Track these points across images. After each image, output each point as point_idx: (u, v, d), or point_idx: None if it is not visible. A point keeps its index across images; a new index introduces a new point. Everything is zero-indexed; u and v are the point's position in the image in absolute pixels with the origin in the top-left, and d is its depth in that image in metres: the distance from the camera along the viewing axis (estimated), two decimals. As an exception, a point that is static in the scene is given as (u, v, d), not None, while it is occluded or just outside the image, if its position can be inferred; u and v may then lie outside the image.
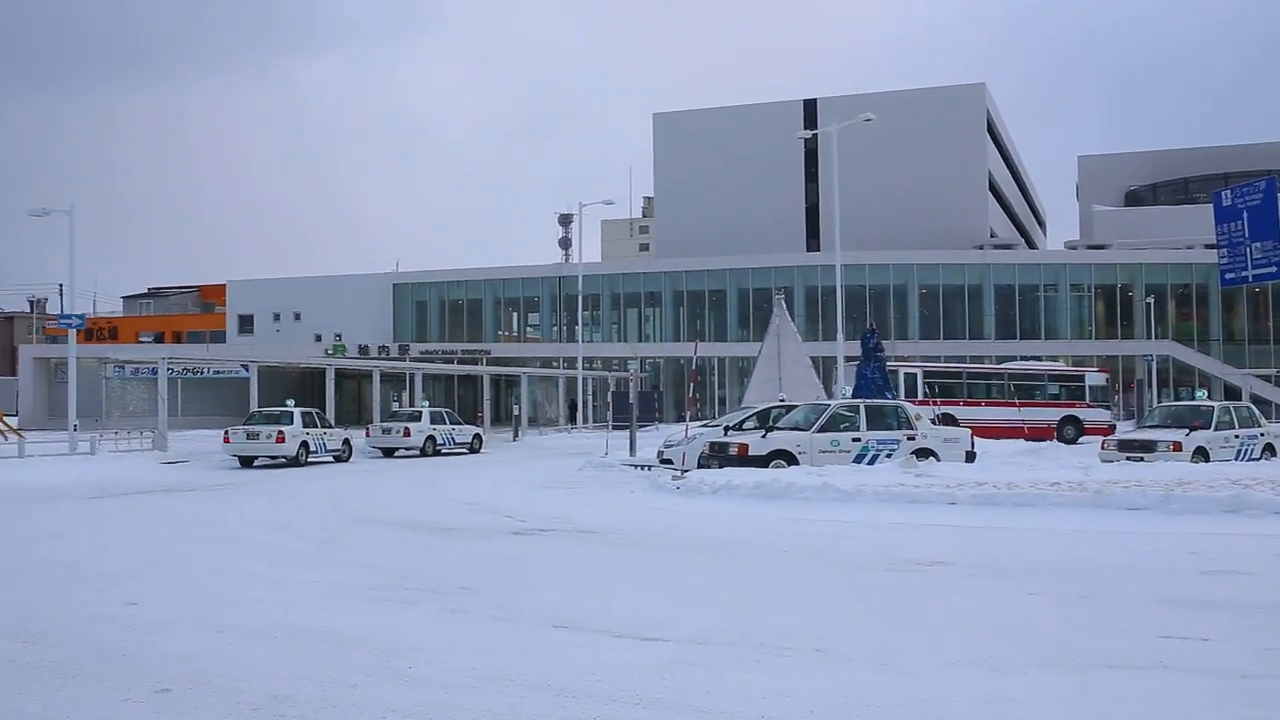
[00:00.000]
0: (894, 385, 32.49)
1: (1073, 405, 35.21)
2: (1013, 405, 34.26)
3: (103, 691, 6.19)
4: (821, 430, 19.61)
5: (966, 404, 33.55)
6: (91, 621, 8.15)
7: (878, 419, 20.29)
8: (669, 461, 23.18)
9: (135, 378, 45.75)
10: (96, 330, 73.79)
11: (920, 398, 32.24)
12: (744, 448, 19.38)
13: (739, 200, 65.04)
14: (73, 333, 31.25)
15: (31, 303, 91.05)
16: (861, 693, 6.03)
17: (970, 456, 20.44)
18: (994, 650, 6.95)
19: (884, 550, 11.75)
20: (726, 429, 22.58)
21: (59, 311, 44.23)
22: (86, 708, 5.87)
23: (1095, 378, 36.38)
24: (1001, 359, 48.59)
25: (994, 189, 66.61)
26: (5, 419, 41.43)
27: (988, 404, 34.08)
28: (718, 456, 19.73)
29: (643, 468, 23.69)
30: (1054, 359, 47.86)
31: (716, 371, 57.63)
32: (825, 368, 40.34)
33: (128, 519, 15.91)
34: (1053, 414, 34.70)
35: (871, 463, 19.24)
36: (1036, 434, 32.71)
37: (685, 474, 19.23)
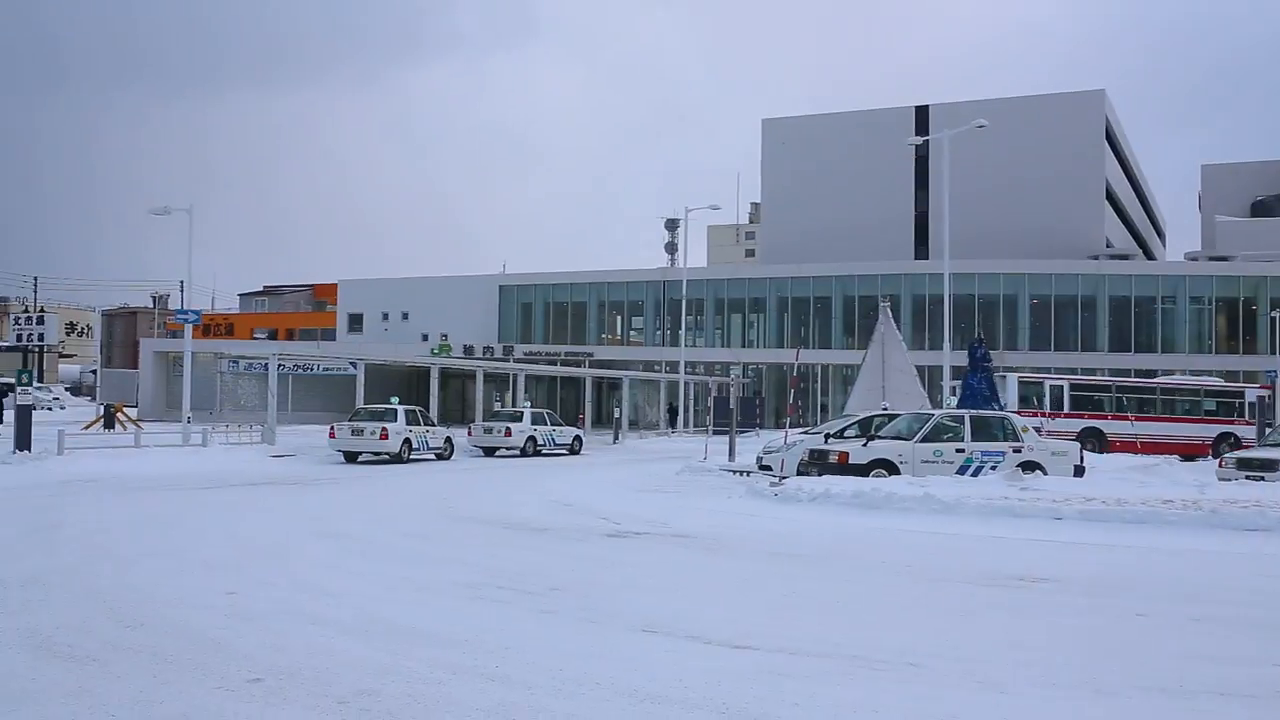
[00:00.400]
0: (1038, 398, 31.71)
1: (1230, 421, 33.81)
2: (1165, 420, 33.10)
3: (196, 679, 6.29)
4: (924, 440, 19.25)
5: (1115, 418, 32.53)
6: (191, 609, 8.31)
7: (983, 430, 19.85)
8: (768, 468, 22.99)
9: (248, 372, 46.98)
10: (213, 326, 75.98)
11: (1066, 411, 31.42)
12: (844, 456, 19.11)
13: (846, 206, 64.37)
14: (189, 328, 32.14)
15: (154, 298, 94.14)
16: (958, 712, 5.85)
17: (1079, 471, 19.87)
18: (1099, 673, 6.69)
19: (985, 565, 11.44)
20: (827, 436, 22.31)
21: (178, 307, 45.63)
22: (180, 694, 5.96)
23: (1256, 393, 34.71)
24: (1115, 372, 47.25)
25: (1111, 198, 64.84)
26: (125, 410, 42.89)
27: (1138, 419, 32.90)
28: (817, 464, 19.49)
29: (741, 473, 23.53)
30: (1169, 373, 46.35)
31: (819, 378, 57.08)
32: (930, 377, 39.66)
33: (234, 510, 16.27)
34: (1208, 430, 33.37)
35: (975, 474, 18.81)
36: (1190, 450, 31.57)
37: (783, 480, 19.03)
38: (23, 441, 23.14)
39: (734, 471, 24.10)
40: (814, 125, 68.33)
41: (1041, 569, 11.04)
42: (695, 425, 50.91)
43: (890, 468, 18.79)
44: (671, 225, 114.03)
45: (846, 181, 64.86)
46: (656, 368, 57.30)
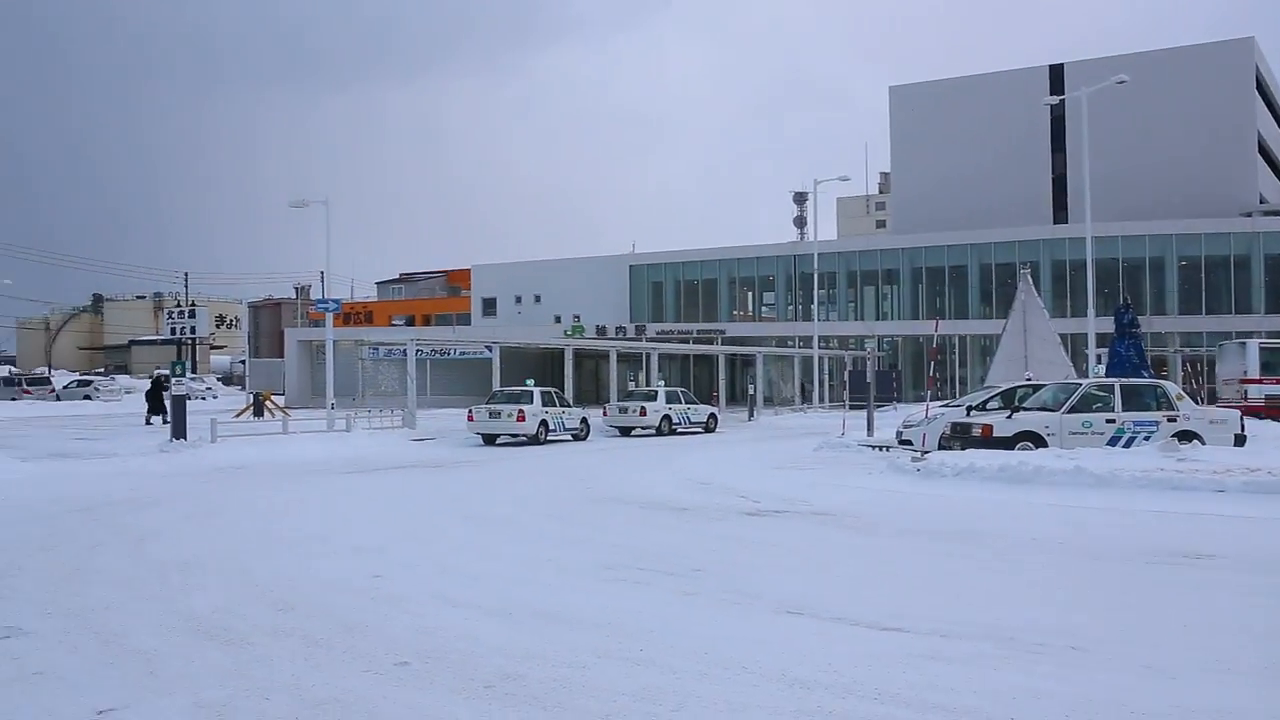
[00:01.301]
0: (1260, 364, 29.99)
1: None
2: None
3: (346, 662, 6.36)
4: (1072, 411, 18.59)
5: None
6: (339, 593, 8.45)
7: (1134, 399, 19.07)
8: (908, 442, 22.53)
9: (387, 359, 48.00)
10: (353, 314, 77.98)
11: None
12: (988, 429, 18.58)
13: (980, 173, 62.63)
14: (330, 317, 32.93)
15: (296, 289, 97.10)
16: (1123, 697, 5.56)
17: (1240, 440, 18.94)
18: (1272, 655, 6.30)
19: (1143, 540, 10.96)
20: (969, 409, 21.74)
21: (319, 297, 46.87)
22: (331, 677, 6.03)
23: None
24: (1271, 334, 45.02)
25: (1264, 151, 61.66)
26: (273, 398, 44.30)
27: None
28: (960, 437, 18.99)
29: (880, 448, 23.10)
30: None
31: (957, 350, 55.77)
32: (1074, 345, 38.39)
33: (378, 494, 16.60)
34: None
35: (1127, 446, 18.08)
36: None
37: (925, 455, 18.59)
38: (179, 430, 24.00)
39: (873, 447, 23.67)
40: (944, 90, 66.64)
41: (1207, 545, 10.51)
42: (831, 400, 50.29)
43: (1036, 440, 18.19)
44: (800, 199, 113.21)
45: (979, 146, 63.10)
46: (790, 343, 56.69)
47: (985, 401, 22.18)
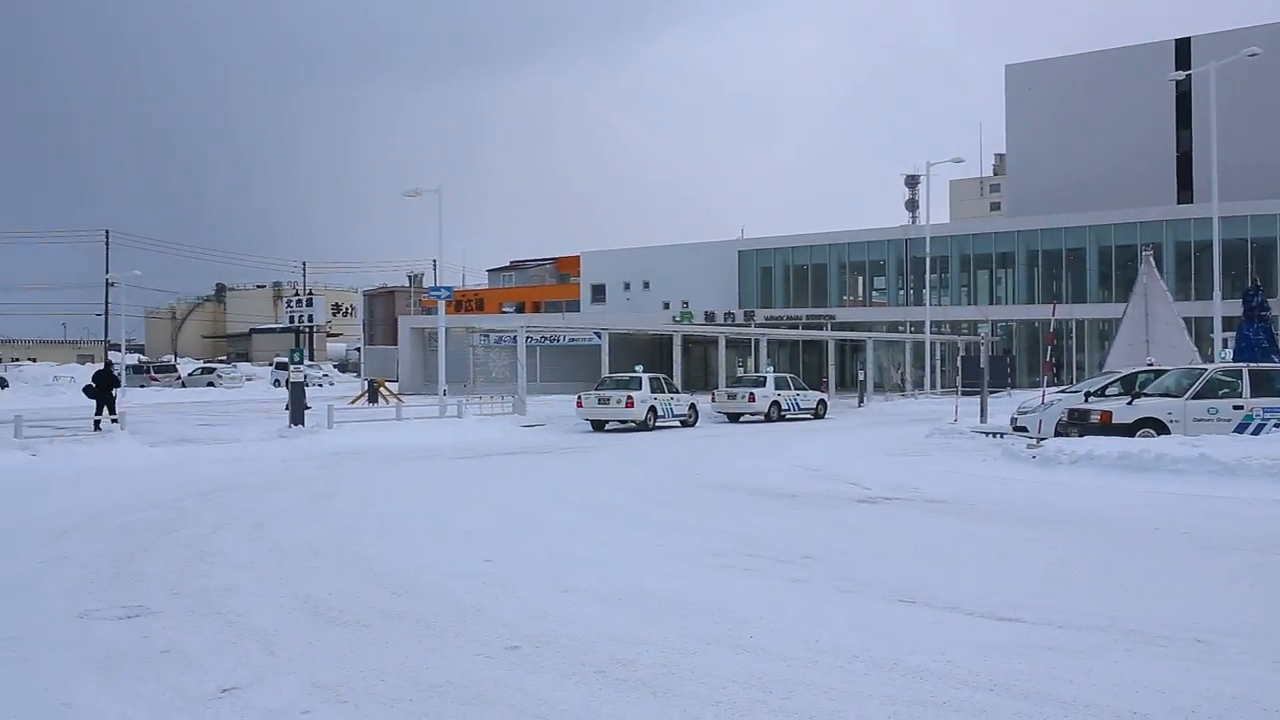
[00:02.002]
0: None
1: None
2: None
3: (458, 645, 6.44)
4: (1197, 397, 17.97)
5: None
6: (452, 577, 8.57)
7: (1264, 384, 18.34)
8: (1023, 429, 22.04)
9: (498, 345, 48.57)
10: (464, 302, 79.06)
11: None
12: (1107, 415, 18.06)
13: (1099, 152, 60.88)
14: (442, 304, 33.45)
15: (409, 277, 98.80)
16: (1252, 693, 5.36)
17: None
18: None
19: (1274, 532, 10.56)
20: (1087, 395, 21.16)
21: (431, 285, 47.56)
22: (444, 660, 6.12)
23: None
24: None
25: (1403, 124, 58.86)
26: (387, 385, 45.17)
27: None
28: (1078, 424, 18.50)
29: (995, 435, 22.64)
30: None
31: (1074, 335, 54.34)
32: (1198, 329, 37.13)
33: (489, 479, 16.81)
34: None
35: (1256, 433, 17.42)
36: None
37: (1041, 442, 18.16)
38: (297, 416, 24.64)
39: (987, 433, 23.21)
40: (1061, 68, 64.89)
41: (1340, 535, 10.09)
42: (944, 386, 49.48)
43: (1159, 427, 17.63)
44: (911, 182, 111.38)
45: (1099, 125, 61.34)
46: (901, 328, 55.88)
47: (1104, 387, 21.57)
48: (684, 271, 67.11)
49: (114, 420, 25.44)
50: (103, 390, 27.42)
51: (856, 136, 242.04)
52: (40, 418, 26.89)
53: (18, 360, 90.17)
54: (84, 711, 5.33)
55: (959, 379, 34.26)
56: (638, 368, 30.17)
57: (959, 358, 44.17)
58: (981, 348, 35.70)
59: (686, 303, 62.85)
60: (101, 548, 9.95)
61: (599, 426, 28.67)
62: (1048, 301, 50.36)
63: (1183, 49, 58.68)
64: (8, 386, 54.24)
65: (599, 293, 72.09)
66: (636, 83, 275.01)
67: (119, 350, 59.27)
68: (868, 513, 12.40)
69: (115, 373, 29.77)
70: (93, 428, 25.23)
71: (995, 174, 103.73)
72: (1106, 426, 17.77)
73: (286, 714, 5.23)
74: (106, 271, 70.00)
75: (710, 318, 58.80)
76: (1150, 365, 22.47)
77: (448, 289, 34.95)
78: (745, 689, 5.52)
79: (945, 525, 11.36)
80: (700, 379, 50.12)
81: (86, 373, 65.76)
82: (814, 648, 6.26)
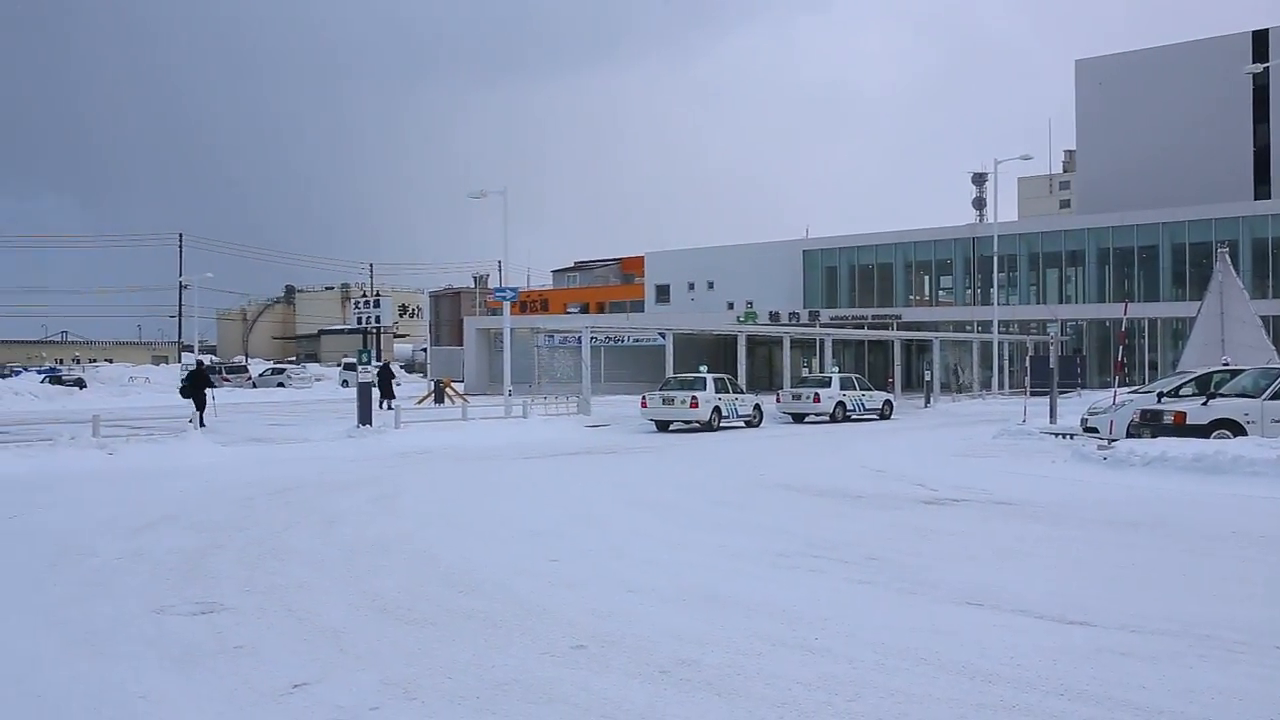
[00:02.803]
0: None
1: None
2: None
3: (525, 644, 6.49)
4: (1275, 397, 17.56)
5: None
6: (518, 575, 8.63)
7: (1344, 384, 17.89)
8: (1093, 430, 21.68)
9: (562, 346, 48.73)
10: (529, 302, 79.44)
11: None
12: (1181, 416, 17.73)
13: (1172, 147, 59.73)
14: (507, 305, 33.65)
15: (475, 278, 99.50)
16: (1333, 700, 5.23)
17: None
18: None
19: (1355, 534, 10.29)
20: (1160, 395, 20.78)
21: (497, 286, 47.90)
22: (510, 659, 6.16)
23: None
24: None
25: None
26: (453, 385, 45.56)
27: None
28: (1150, 425, 18.18)
29: (1064, 436, 22.32)
30: None
31: (1146, 334, 53.38)
32: (1276, 328, 36.32)
33: (554, 479, 16.89)
34: None
35: (1337, 434, 16.99)
36: None
37: (1112, 444, 17.86)
38: (365, 416, 24.93)
39: (1056, 434, 22.89)
40: (1133, 62, 63.78)
41: None
42: (1011, 387, 48.84)
43: (1235, 428, 17.26)
44: (979, 179, 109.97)
45: (1171, 120, 60.19)
46: (968, 328, 55.28)
47: (1178, 387, 21.17)
48: (748, 271, 66.91)
49: (201, 420, 27.44)
50: (196, 390, 28.92)
51: (923, 134, 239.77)
52: (116, 417, 27.53)
53: (95, 361, 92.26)
54: (160, 705, 5.44)
55: (1027, 379, 33.84)
56: (702, 368, 30.13)
57: (1027, 357, 43.61)
58: (1050, 347, 35.27)
59: (751, 303, 62.67)
60: (176, 545, 10.15)
61: (663, 427, 28.68)
62: (1119, 300, 49.53)
63: (1260, 41, 57.41)
64: (86, 387, 55.46)
65: (663, 293, 72.11)
66: (704, 81, 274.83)
67: (192, 351, 60.32)
68: (934, 514, 12.29)
69: (208, 373, 31.26)
70: (196, 425, 26.56)
71: (1065, 171, 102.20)
72: (1180, 427, 17.44)
73: (356, 710, 5.31)
74: (180, 274, 71.42)
75: (775, 318, 58.58)
76: (1226, 365, 22.02)
77: (513, 290, 35.15)
78: (811, 691, 5.50)
79: (1014, 527, 11.22)
80: (765, 379, 49.96)
81: (161, 373, 67.15)
82: (880, 650, 6.22)
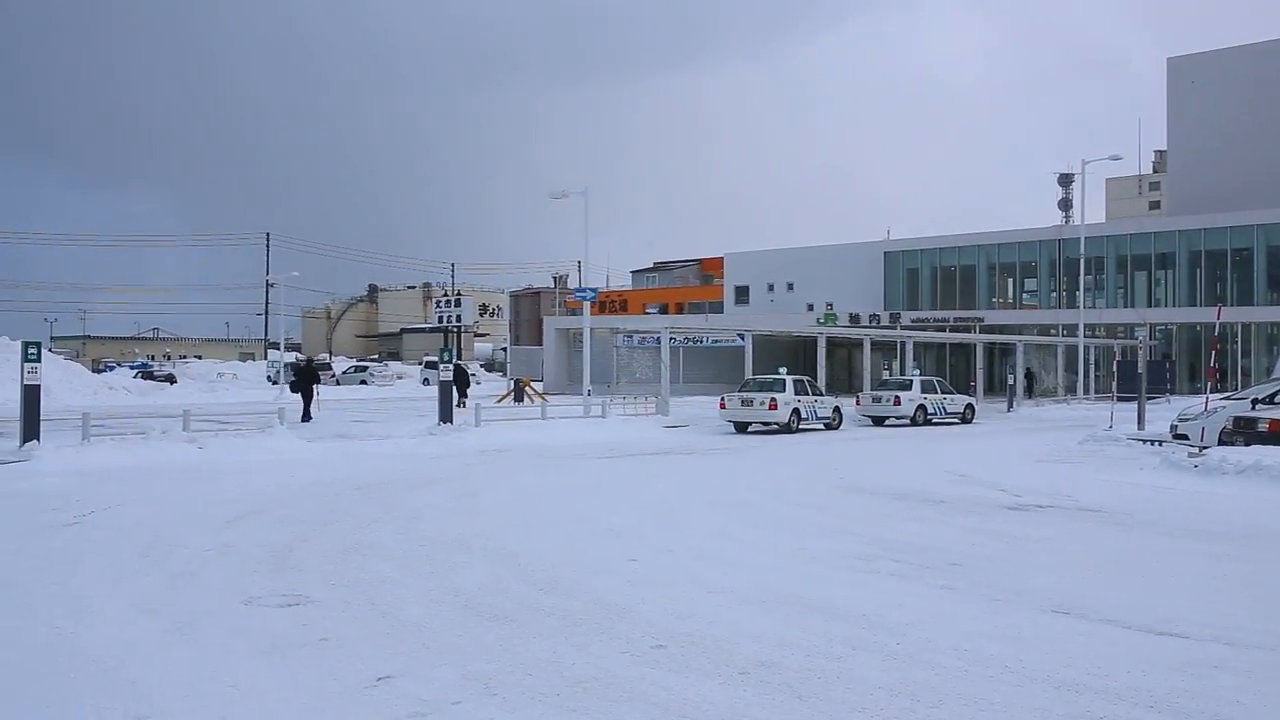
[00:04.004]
0: None
1: None
2: None
3: (604, 642, 6.51)
4: (1375, 405, 17.04)
5: None
6: (597, 574, 8.66)
7: None
8: (1184, 437, 21.18)
9: (641, 346, 48.81)
10: (608, 302, 79.68)
11: None
12: (1277, 424, 17.27)
13: (1268, 148, 58.06)
14: (587, 305, 33.80)
15: (554, 278, 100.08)
16: None
17: None
18: None
19: None
20: (1254, 402, 20.25)
21: (576, 286, 48.16)
22: (590, 656, 6.19)
23: None
24: None
25: None
26: (532, 384, 45.87)
27: None
28: (1244, 432, 17.73)
29: (1153, 443, 21.83)
30: None
31: (1239, 339, 51.96)
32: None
33: (633, 479, 16.92)
34: None
35: None
36: None
37: (1204, 451, 17.44)
38: (446, 414, 25.19)
39: (1145, 441, 22.40)
40: (1227, 60, 62.14)
41: None
42: (1098, 392, 47.89)
43: (1333, 437, 16.77)
44: (1065, 180, 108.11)
45: (1266, 119, 58.51)
46: (1053, 331, 54.29)
47: (1273, 394, 20.62)
48: (828, 272, 66.40)
49: (307, 413, 29.18)
50: (305, 384, 30.51)
51: (1008, 135, 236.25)
52: (205, 412, 28.14)
53: (185, 358, 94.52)
54: (249, 694, 5.55)
55: (1114, 384, 33.16)
56: (782, 370, 29.96)
57: (1115, 362, 42.75)
58: (1139, 352, 34.43)
59: (831, 304, 62.22)
60: (263, 538, 10.35)
61: (742, 428, 28.59)
62: (1210, 304, 48.30)
63: (1363, 36, 55.59)
64: (176, 382, 56.87)
65: (742, 294, 71.86)
66: (789, 82, 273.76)
67: (278, 349, 61.48)
68: (1019, 520, 12.10)
69: (316, 369, 32.92)
70: (301, 418, 28.63)
71: (1155, 171, 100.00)
72: (1276, 435, 16.99)
73: (438, 704, 5.37)
74: (267, 273, 72.72)
75: (855, 319, 58.09)
76: (1323, 371, 21.40)
77: (593, 290, 35.29)
78: (892, 696, 5.45)
79: (1101, 535, 11.01)
80: (844, 382, 49.57)
81: (248, 370, 68.58)
82: (963, 657, 6.14)
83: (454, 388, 31.05)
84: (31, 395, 18.51)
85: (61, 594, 7.95)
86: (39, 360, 18.86)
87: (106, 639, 6.65)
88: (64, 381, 40.25)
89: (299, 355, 59.34)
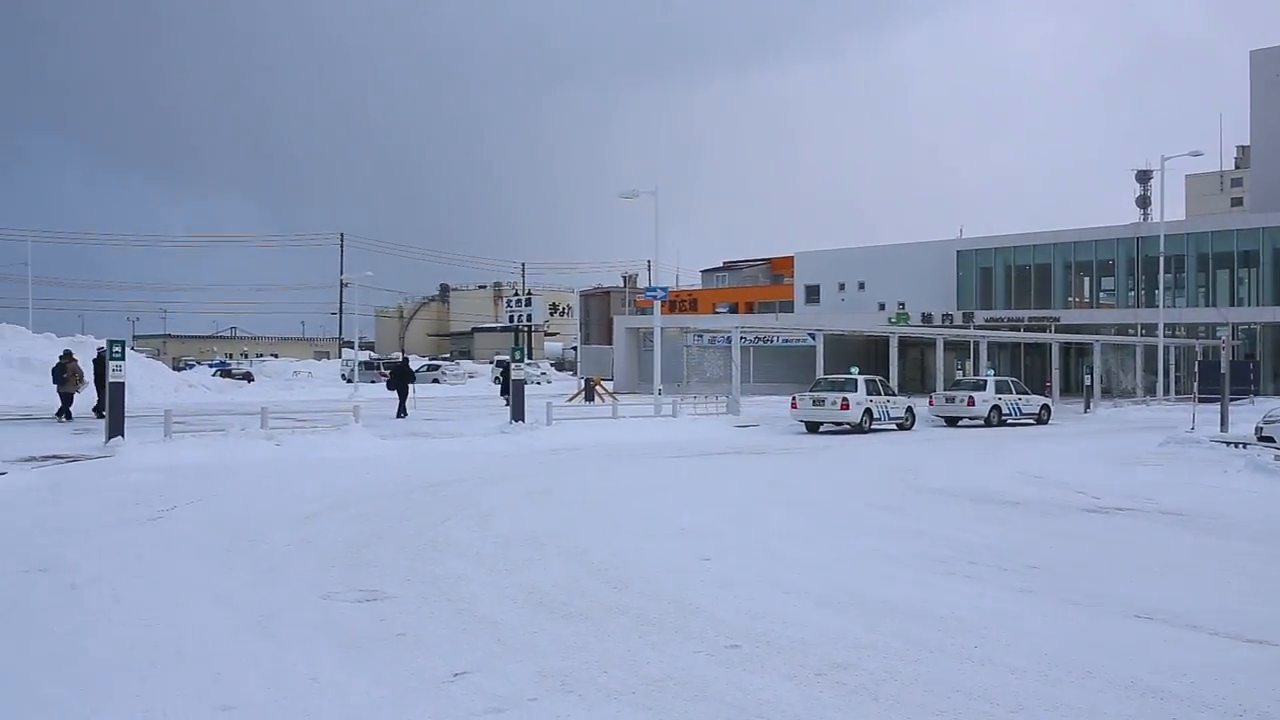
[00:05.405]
0: None
1: None
2: None
3: (678, 641, 6.52)
4: None
5: None
6: (671, 573, 8.67)
7: None
8: (1269, 439, 20.69)
9: (711, 346, 48.74)
10: (678, 302, 79.62)
11: None
12: (1366, 426, 16.78)
13: (1357, 142, 56.54)
14: (657, 304, 33.80)
15: (624, 278, 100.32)
16: None
17: None
18: None
19: None
20: (1342, 404, 19.71)
21: (646, 285, 48.21)
22: (664, 655, 6.20)
23: None
24: None
25: None
26: (603, 383, 46.00)
27: None
28: (1331, 435, 17.26)
29: (1237, 445, 21.32)
30: None
31: (1327, 339, 50.64)
32: None
33: (705, 478, 16.91)
34: None
35: None
36: None
37: (1290, 454, 17.02)
38: (518, 413, 25.35)
39: (1228, 443, 21.89)
40: (1315, 51, 60.57)
41: None
42: (1178, 393, 46.90)
43: None
44: (1143, 177, 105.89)
45: (1358, 113, 56.95)
46: (1130, 331, 53.28)
47: (1362, 396, 20.07)
48: (900, 272, 65.81)
49: (402, 409, 30.20)
50: (400, 383, 31.72)
51: (1086, 131, 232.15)
52: (282, 410, 28.59)
53: (261, 356, 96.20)
54: (329, 687, 5.64)
55: (1195, 385, 32.46)
56: (853, 369, 29.73)
57: (1196, 362, 41.85)
58: (1221, 352, 33.64)
59: (902, 304, 61.65)
60: (340, 534, 10.51)
61: (813, 428, 28.42)
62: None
63: None
64: (253, 380, 57.83)
65: (813, 293, 71.46)
66: (868, 82, 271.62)
67: (352, 348, 62.30)
68: (1098, 523, 11.90)
69: (410, 369, 34.04)
70: (397, 415, 29.57)
71: (1237, 168, 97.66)
72: (1365, 438, 16.52)
73: (515, 700, 5.41)
74: (341, 273, 73.80)
75: (927, 319, 57.48)
76: None
77: (663, 289, 35.29)
78: (971, 700, 5.39)
79: (1183, 539, 10.79)
80: (916, 382, 49.10)
81: (322, 368, 69.56)
82: (1044, 661, 6.05)
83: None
84: (117, 393, 18.96)
85: (148, 587, 8.14)
86: (124, 359, 19.30)
87: (194, 631, 6.79)
88: (146, 379, 41.09)
89: (371, 354, 60.12)
